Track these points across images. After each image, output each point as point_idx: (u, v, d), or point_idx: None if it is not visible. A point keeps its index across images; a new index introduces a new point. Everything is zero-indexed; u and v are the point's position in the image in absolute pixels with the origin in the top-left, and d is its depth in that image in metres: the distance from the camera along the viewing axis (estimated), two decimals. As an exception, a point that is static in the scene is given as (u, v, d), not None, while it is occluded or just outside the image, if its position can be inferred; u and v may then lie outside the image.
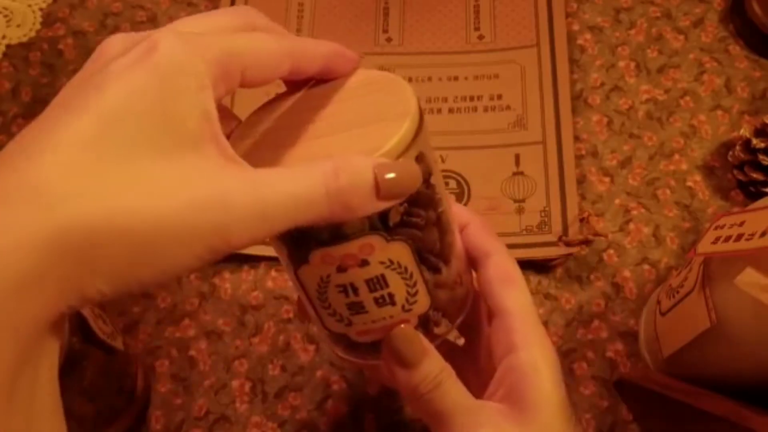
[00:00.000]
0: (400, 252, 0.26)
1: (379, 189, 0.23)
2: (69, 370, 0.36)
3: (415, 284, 0.27)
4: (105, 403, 0.42)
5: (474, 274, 0.33)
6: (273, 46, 0.25)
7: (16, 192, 0.19)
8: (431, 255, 0.28)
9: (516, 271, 0.32)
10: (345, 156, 0.23)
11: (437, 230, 0.28)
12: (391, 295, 0.27)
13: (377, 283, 0.26)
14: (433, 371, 0.28)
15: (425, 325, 0.29)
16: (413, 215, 0.26)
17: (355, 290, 0.26)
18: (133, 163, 0.20)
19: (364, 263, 0.26)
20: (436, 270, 0.28)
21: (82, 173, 0.20)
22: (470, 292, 0.32)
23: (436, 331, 0.30)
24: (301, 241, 0.26)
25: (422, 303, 0.28)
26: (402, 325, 0.28)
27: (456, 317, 0.31)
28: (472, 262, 0.32)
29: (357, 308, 0.27)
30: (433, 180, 0.27)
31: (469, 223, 0.32)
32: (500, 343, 0.31)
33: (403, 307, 0.28)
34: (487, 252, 0.32)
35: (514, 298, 0.31)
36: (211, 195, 0.21)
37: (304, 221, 0.22)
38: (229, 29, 0.25)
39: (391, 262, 0.26)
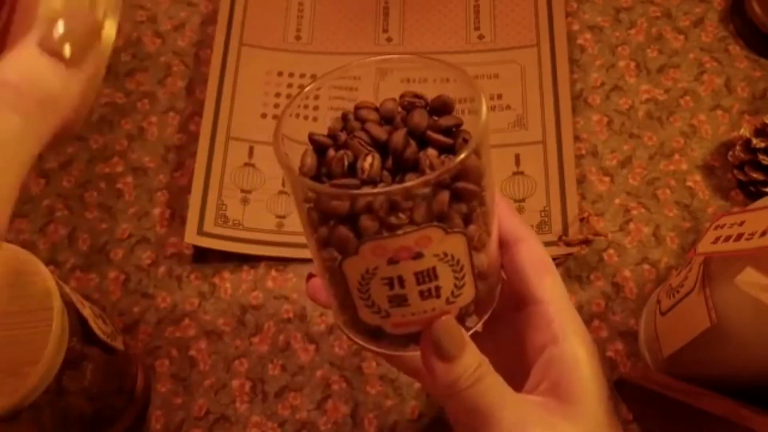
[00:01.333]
0: (457, 245, 0.25)
1: (59, 54, 0.20)
2: (69, 370, 0.36)
3: (463, 276, 0.26)
4: (105, 403, 0.42)
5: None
6: None
7: None
8: (480, 243, 0.26)
9: (549, 258, 0.31)
10: None
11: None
12: (437, 288, 0.26)
13: (427, 275, 0.25)
14: (473, 364, 0.27)
15: (461, 318, 0.28)
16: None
17: (402, 283, 0.25)
18: None
19: (418, 256, 0.24)
20: (481, 260, 0.27)
21: None
22: (500, 281, 0.30)
23: (467, 323, 0.29)
24: (352, 231, 0.24)
25: (467, 295, 0.27)
26: (444, 317, 0.27)
27: (489, 308, 0.29)
28: (501, 245, 0.31)
29: (399, 300, 0.26)
30: (483, 151, 0.26)
31: (499, 203, 0.30)
32: (537, 333, 0.29)
33: (447, 299, 0.26)
34: (517, 237, 0.30)
35: (550, 287, 0.30)
36: None
37: None
38: None
39: (446, 254, 0.25)
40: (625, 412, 0.46)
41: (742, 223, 0.35)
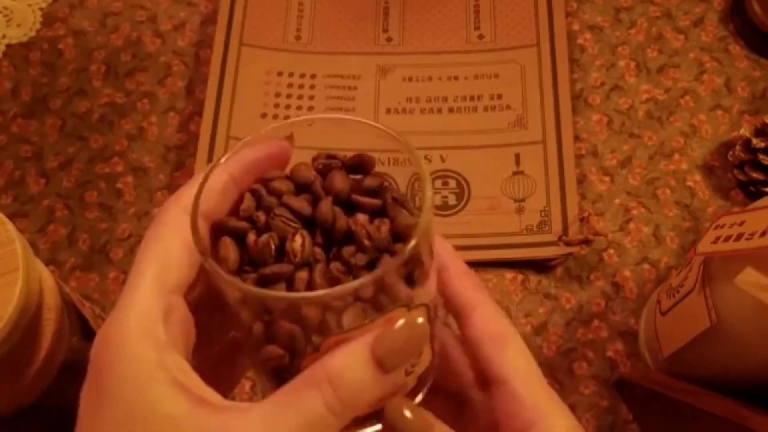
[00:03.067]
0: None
1: (383, 365, 0.21)
2: (69, 369, 0.36)
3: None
4: (105, 403, 0.41)
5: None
6: None
7: None
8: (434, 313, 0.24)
9: (509, 327, 0.27)
10: (332, 358, 0.21)
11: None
12: None
13: None
14: None
15: (417, 389, 0.25)
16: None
17: None
18: None
19: None
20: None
21: None
22: (439, 341, 0.27)
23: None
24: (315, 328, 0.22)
25: (424, 360, 0.24)
26: (395, 399, 0.24)
27: (429, 379, 0.26)
28: (454, 316, 0.28)
29: None
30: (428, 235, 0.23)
31: (448, 267, 0.27)
32: (510, 419, 0.26)
33: (406, 371, 0.23)
34: (472, 303, 0.27)
35: (513, 361, 0.26)
36: None
37: None
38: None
39: None
40: (625, 412, 0.46)
41: (742, 223, 0.35)
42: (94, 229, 0.52)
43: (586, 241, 0.49)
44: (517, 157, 0.53)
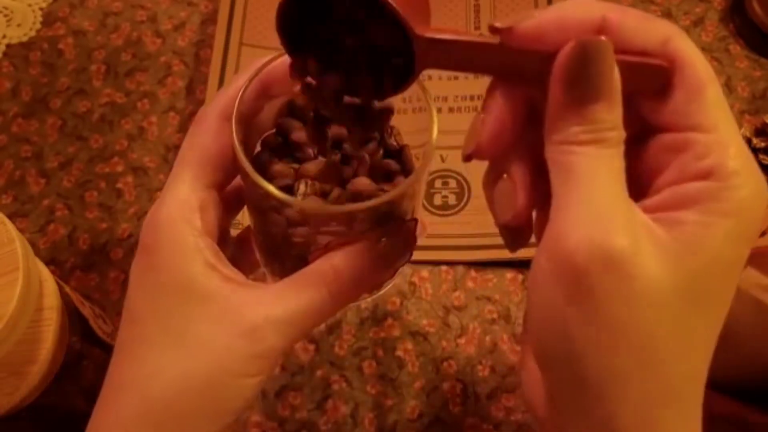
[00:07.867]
0: None
1: (377, 267, 0.28)
2: (69, 370, 0.36)
3: None
4: (105, 403, 0.41)
5: None
6: None
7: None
8: None
9: (707, 66, 0.23)
10: (337, 256, 0.27)
11: None
12: None
13: None
14: (608, 120, 0.22)
15: None
16: None
17: None
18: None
19: None
20: None
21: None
22: None
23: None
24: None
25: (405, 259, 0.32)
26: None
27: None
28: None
29: None
30: None
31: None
32: (688, 164, 0.24)
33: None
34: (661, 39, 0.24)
35: (714, 111, 0.23)
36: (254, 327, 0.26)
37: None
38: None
39: None
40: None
41: (742, 223, 0.35)
42: (94, 229, 0.52)
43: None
44: (517, 157, 0.53)
